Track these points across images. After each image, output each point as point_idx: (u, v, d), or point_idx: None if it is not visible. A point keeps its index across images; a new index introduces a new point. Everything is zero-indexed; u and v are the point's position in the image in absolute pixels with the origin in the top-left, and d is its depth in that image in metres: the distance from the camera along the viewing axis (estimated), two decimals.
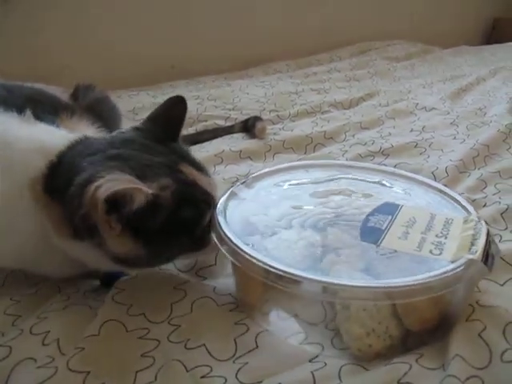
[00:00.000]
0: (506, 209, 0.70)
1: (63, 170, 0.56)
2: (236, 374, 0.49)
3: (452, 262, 0.48)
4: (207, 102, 1.41)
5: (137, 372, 0.50)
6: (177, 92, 1.51)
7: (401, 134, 1.08)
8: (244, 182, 0.67)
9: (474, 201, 0.75)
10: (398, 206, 0.60)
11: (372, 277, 0.51)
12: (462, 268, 0.47)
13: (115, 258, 0.55)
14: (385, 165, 0.90)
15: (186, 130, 1.19)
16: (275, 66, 1.84)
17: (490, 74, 1.50)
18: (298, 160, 1.01)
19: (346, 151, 1.02)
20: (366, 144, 1.04)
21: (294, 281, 0.48)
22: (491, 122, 1.07)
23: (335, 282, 0.47)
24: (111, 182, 0.49)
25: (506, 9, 2.49)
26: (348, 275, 0.51)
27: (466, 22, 2.44)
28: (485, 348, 0.46)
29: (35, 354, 0.53)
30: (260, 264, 0.49)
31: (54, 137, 0.62)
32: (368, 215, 0.57)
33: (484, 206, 0.74)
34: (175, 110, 0.65)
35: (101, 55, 1.69)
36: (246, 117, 1.27)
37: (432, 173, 0.85)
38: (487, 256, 0.49)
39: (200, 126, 1.25)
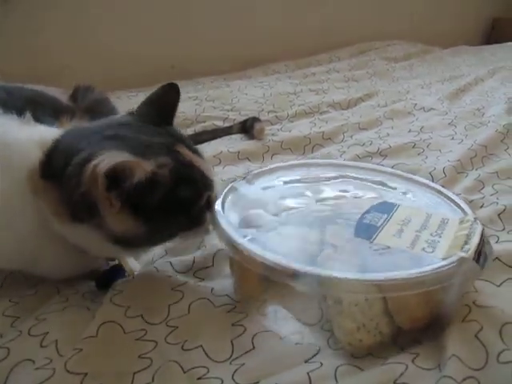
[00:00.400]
0: (504, 209, 0.71)
1: (60, 153, 0.57)
2: (232, 375, 0.49)
3: (444, 260, 0.48)
4: (205, 102, 1.41)
5: (134, 373, 0.50)
6: None
7: (399, 135, 1.08)
8: (245, 178, 0.67)
9: (471, 201, 0.75)
10: (394, 205, 0.60)
11: (367, 273, 0.51)
12: (453, 265, 0.48)
13: (114, 238, 0.55)
14: (383, 165, 0.90)
15: (185, 131, 1.19)
16: (274, 66, 1.85)
17: (489, 75, 1.50)
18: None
19: (344, 152, 1.02)
20: (364, 145, 1.04)
21: (288, 273, 0.48)
22: (489, 122, 1.07)
23: (328, 274, 0.47)
24: (110, 158, 0.49)
25: (506, 9, 2.49)
26: (342, 272, 0.51)
27: (465, 22, 2.44)
28: (481, 349, 0.46)
29: (33, 356, 0.53)
30: (256, 257, 0.50)
31: (52, 133, 0.62)
32: (364, 213, 0.58)
33: (481, 206, 0.75)
34: (169, 95, 0.66)
35: (100, 55, 1.69)
36: (244, 118, 1.27)
37: (430, 173, 0.85)
38: (480, 255, 0.49)
39: (198, 127, 1.25)
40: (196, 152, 0.61)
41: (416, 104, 1.28)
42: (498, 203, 0.73)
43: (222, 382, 0.49)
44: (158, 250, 0.74)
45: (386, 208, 0.59)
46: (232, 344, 0.53)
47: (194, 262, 0.67)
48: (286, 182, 0.70)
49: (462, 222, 0.56)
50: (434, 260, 0.49)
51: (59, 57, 1.64)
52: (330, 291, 0.50)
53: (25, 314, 0.61)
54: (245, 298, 0.58)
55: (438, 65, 1.77)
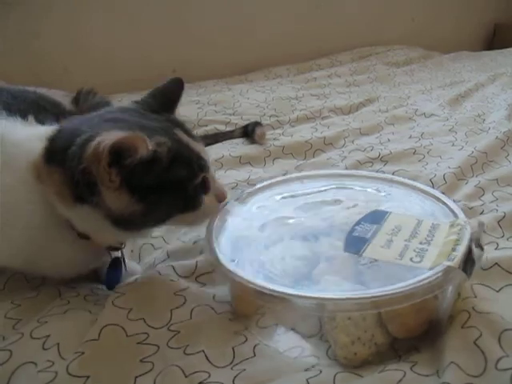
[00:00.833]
0: (503, 216, 0.71)
1: (63, 137, 0.58)
2: (233, 380, 0.50)
3: (431, 269, 0.49)
4: (207, 106, 1.42)
5: (136, 377, 0.51)
6: None
7: (400, 141, 1.08)
8: (238, 199, 0.68)
9: (471, 208, 0.76)
10: (386, 213, 0.60)
11: (360, 285, 0.53)
12: (439, 275, 0.48)
13: (113, 218, 0.56)
14: (383, 171, 0.91)
15: None
16: (276, 70, 1.85)
17: (490, 80, 1.50)
18: (296, 166, 1.01)
19: (345, 157, 1.02)
20: (365, 150, 1.05)
21: (283, 299, 0.49)
22: (490, 128, 1.08)
23: (322, 296, 0.48)
24: (114, 135, 0.51)
25: (507, 14, 2.50)
26: (336, 285, 0.52)
27: (466, 27, 2.44)
28: (480, 355, 0.47)
29: (35, 358, 0.53)
30: (250, 285, 0.51)
31: (49, 128, 0.63)
32: (354, 225, 0.58)
33: (481, 213, 0.75)
34: (173, 87, 0.69)
35: (102, 59, 1.70)
36: (246, 122, 1.28)
37: (430, 180, 0.85)
38: (467, 261, 0.49)
39: (200, 131, 1.26)
40: (193, 136, 0.63)
41: (417, 110, 1.28)
42: (497, 210, 0.74)
43: None
44: (159, 254, 0.75)
45: (377, 217, 0.60)
46: (233, 350, 0.53)
47: (196, 266, 0.68)
48: (279, 198, 0.71)
49: (452, 225, 0.56)
50: (422, 270, 0.49)
51: (60, 61, 1.65)
52: (323, 312, 0.51)
53: (27, 317, 0.61)
54: (241, 316, 0.58)
55: (438, 70, 1.78)
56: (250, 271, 0.56)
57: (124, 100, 1.50)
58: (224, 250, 0.59)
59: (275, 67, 1.88)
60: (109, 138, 0.51)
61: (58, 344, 0.55)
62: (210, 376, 0.50)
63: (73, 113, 0.82)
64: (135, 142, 0.52)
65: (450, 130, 1.11)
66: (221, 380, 0.50)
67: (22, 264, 0.64)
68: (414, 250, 0.52)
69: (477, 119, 1.16)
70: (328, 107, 1.38)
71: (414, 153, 1.00)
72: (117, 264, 0.68)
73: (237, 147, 1.14)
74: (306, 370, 0.51)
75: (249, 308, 0.58)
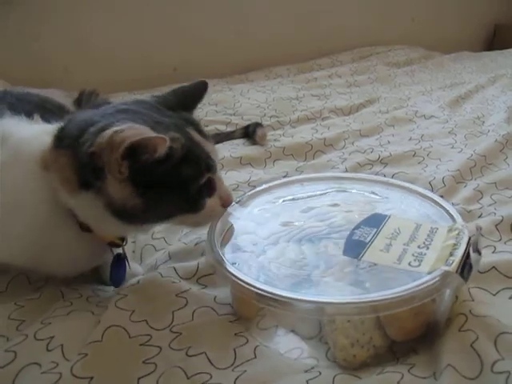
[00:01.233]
0: (501, 220, 0.72)
1: (74, 125, 0.59)
2: (234, 382, 0.51)
3: (429, 274, 0.50)
4: (208, 106, 1.42)
5: (139, 378, 0.52)
6: None
7: (399, 143, 1.09)
8: (239, 202, 0.69)
9: (469, 212, 0.76)
10: (385, 216, 0.61)
11: (359, 289, 0.54)
12: (437, 279, 0.49)
13: (114, 209, 0.56)
14: (383, 174, 0.92)
15: None
16: (276, 70, 1.86)
17: (490, 82, 1.51)
18: (297, 168, 1.02)
19: (345, 159, 1.03)
20: (365, 152, 1.06)
21: (283, 302, 0.50)
22: (489, 131, 1.08)
23: (321, 300, 0.49)
24: (134, 130, 0.52)
25: (508, 15, 2.50)
26: (336, 288, 0.53)
27: (467, 27, 2.44)
28: (476, 358, 0.48)
29: (40, 360, 0.54)
30: (251, 288, 0.52)
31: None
32: (354, 228, 0.59)
33: (480, 216, 0.76)
34: (196, 88, 0.69)
35: (102, 58, 1.71)
36: (246, 122, 1.28)
37: (429, 183, 0.86)
38: (464, 266, 0.50)
39: None
40: (205, 136, 0.63)
41: (417, 111, 1.29)
42: (495, 213, 0.75)
43: None
44: (161, 255, 0.76)
45: (377, 220, 0.60)
46: (235, 352, 0.54)
47: (197, 268, 0.69)
48: (279, 201, 0.71)
49: (450, 230, 0.57)
50: (420, 275, 0.50)
51: (60, 60, 1.66)
52: (323, 316, 0.52)
53: (30, 318, 0.62)
54: (242, 318, 0.59)
55: (439, 71, 1.79)
56: (251, 273, 0.57)
57: (126, 99, 1.51)
58: (225, 252, 0.61)
59: (276, 67, 1.88)
60: (132, 131, 0.51)
61: (62, 345, 0.56)
62: (211, 377, 0.51)
63: None
64: (158, 142, 0.53)
65: (449, 133, 1.12)
66: (222, 381, 0.51)
67: (27, 260, 0.64)
68: (413, 255, 0.53)
69: (476, 121, 1.17)
70: (328, 108, 1.39)
71: (413, 155, 1.01)
72: (120, 261, 0.68)
73: (237, 148, 1.15)
74: (306, 371, 0.51)
75: (250, 310, 0.59)
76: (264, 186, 0.73)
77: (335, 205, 0.69)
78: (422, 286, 0.48)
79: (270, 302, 0.51)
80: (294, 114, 1.36)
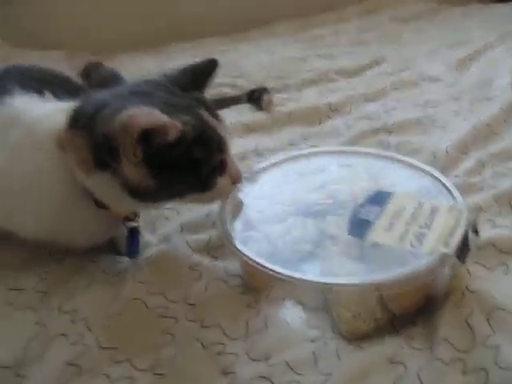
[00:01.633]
0: (501, 193, 0.74)
1: (89, 106, 0.61)
2: (247, 352, 0.55)
3: (429, 255, 0.53)
4: None
5: (159, 348, 0.56)
6: (182, 57, 1.53)
7: (404, 109, 1.09)
8: (246, 177, 0.71)
9: (471, 185, 0.79)
10: (389, 194, 0.64)
11: (363, 264, 0.58)
12: (436, 261, 0.53)
13: (129, 188, 0.59)
14: (388, 143, 0.94)
15: None
16: (280, 26, 1.82)
17: (497, 40, 1.47)
18: (303, 136, 1.03)
19: (351, 126, 1.04)
20: (370, 118, 1.06)
21: (289, 282, 0.54)
22: (495, 97, 1.08)
23: (327, 282, 0.53)
24: (149, 115, 0.54)
25: None
26: (341, 264, 0.57)
27: None
28: (470, 333, 0.52)
29: (66, 331, 0.59)
30: (262, 268, 0.56)
31: (71, 103, 0.65)
32: (359, 206, 0.62)
33: (480, 189, 0.78)
34: (206, 67, 0.71)
35: (102, 18, 1.68)
36: (252, 84, 1.28)
37: (433, 154, 0.88)
38: (462, 248, 0.54)
39: (207, 95, 1.26)
40: (216, 116, 0.65)
41: (423, 74, 1.28)
42: (495, 187, 0.77)
43: (238, 357, 0.55)
44: (173, 226, 0.79)
45: (381, 198, 0.63)
46: (246, 323, 0.58)
47: (209, 240, 0.72)
48: (286, 176, 0.74)
49: (451, 210, 0.60)
50: (421, 258, 0.54)
51: (60, 19, 1.63)
52: (329, 295, 0.56)
53: (52, 289, 0.67)
54: (252, 289, 0.63)
55: (447, 27, 1.74)
56: (259, 249, 0.61)
57: (127, 63, 1.51)
58: (235, 228, 0.64)
59: (280, 23, 1.84)
60: (144, 117, 0.53)
61: (86, 318, 0.60)
62: (225, 347, 0.56)
63: (84, 88, 0.84)
64: (169, 127, 0.55)
65: (454, 99, 1.12)
66: (236, 351, 0.55)
67: (44, 234, 0.68)
68: (414, 234, 0.56)
69: (482, 85, 1.16)
70: (334, 69, 1.37)
71: (418, 123, 1.01)
72: (134, 234, 0.71)
73: (243, 114, 1.15)
74: (312, 341, 0.56)
75: (259, 282, 0.63)
76: (272, 161, 0.76)
77: (340, 179, 0.72)
78: (422, 268, 0.51)
79: (275, 279, 0.54)
80: (298, 76, 1.35)
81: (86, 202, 0.64)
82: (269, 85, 1.29)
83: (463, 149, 0.89)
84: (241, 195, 0.69)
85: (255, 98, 1.20)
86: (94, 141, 0.57)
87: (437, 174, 0.69)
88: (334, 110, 1.14)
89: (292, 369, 0.52)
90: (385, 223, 0.59)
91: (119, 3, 1.69)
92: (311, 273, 0.58)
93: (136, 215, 0.72)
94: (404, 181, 0.70)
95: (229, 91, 1.29)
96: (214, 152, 0.62)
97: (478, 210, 0.58)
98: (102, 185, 0.61)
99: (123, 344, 0.57)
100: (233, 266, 0.67)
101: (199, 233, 0.75)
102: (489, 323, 0.52)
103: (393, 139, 0.96)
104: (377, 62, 1.43)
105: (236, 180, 0.67)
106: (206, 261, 0.69)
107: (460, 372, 0.49)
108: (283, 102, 1.20)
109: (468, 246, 0.54)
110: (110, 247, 0.77)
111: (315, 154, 0.78)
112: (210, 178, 0.62)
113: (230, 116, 1.13)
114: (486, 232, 0.66)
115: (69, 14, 1.64)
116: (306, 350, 0.54)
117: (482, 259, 0.62)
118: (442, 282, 0.57)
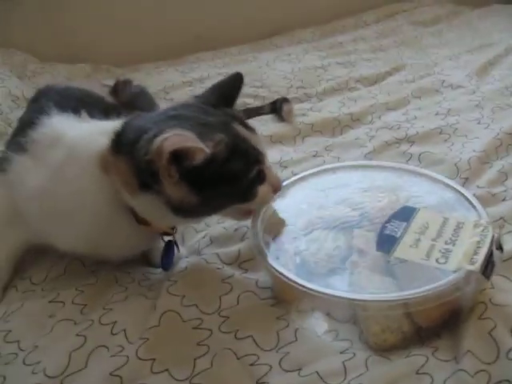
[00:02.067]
0: None
1: (130, 131, 0.65)
2: (279, 362, 0.58)
3: (455, 272, 0.55)
4: None
5: (195, 359, 0.59)
6: (203, 67, 1.57)
7: (426, 118, 1.11)
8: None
9: (494, 195, 0.80)
10: (414, 209, 0.66)
11: (390, 278, 0.60)
12: (461, 278, 0.55)
13: (172, 206, 0.62)
14: (411, 154, 0.95)
15: None
16: (300, 33, 1.84)
17: None
18: (326, 147, 1.05)
19: (373, 137, 1.06)
20: (392, 128, 1.08)
21: (319, 297, 0.57)
22: None
23: (356, 297, 0.56)
24: (178, 137, 0.58)
25: None
26: (368, 279, 0.59)
27: None
28: (493, 345, 0.54)
29: (107, 343, 0.62)
30: (292, 284, 0.59)
31: (111, 125, 0.68)
32: (385, 222, 0.64)
33: (503, 199, 0.79)
34: (232, 83, 0.75)
35: (127, 29, 1.72)
36: (274, 94, 1.31)
37: (455, 164, 0.89)
38: (487, 265, 0.55)
39: None
40: (250, 129, 0.68)
41: (444, 81, 1.29)
42: None
43: (271, 368, 0.57)
44: (203, 239, 0.82)
45: (406, 214, 0.65)
46: (278, 335, 0.61)
47: (239, 253, 0.75)
48: (313, 191, 0.77)
49: (475, 225, 0.61)
50: (447, 272, 0.56)
51: (85, 33, 1.68)
52: (359, 311, 0.58)
53: (90, 302, 0.70)
54: (282, 302, 0.66)
55: (467, 30, 1.74)
56: (288, 262, 0.64)
57: (152, 73, 1.55)
58: (266, 242, 0.67)
59: (299, 30, 1.86)
60: (172, 140, 0.57)
61: (125, 330, 0.63)
62: (258, 358, 0.59)
63: (116, 106, 0.88)
64: (194, 150, 0.58)
65: (476, 106, 1.12)
66: (269, 362, 0.58)
67: (85, 248, 0.72)
68: (440, 251, 0.58)
69: (504, 92, 1.17)
70: (354, 77, 1.40)
71: (440, 132, 1.03)
72: (170, 247, 0.75)
73: (266, 125, 1.18)
74: (341, 352, 0.58)
75: (289, 295, 0.65)
76: (297, 176, 0.79)
77: (363, 194, 0.74)
78: (448, 285, 0.53)
79: (306, 295, 0.57)
80: (320, 85, 1.37)
81: (127, 219, 0.68)
82: (290, 95, 1.32)
83: (485, 159, 0.91)
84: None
85: (277, 108, 1.22)
86: (136, 165, 0.61)
87: (459, 187, 0.70)
88: (355, 119, 1.17)
89: (323, 379, 0.55)
90: (411, 239, 0.61)
91: (142, 16, 1.73)
92: (340, 286, 0.61)
93: (174, 229, 0.75)
94: (426, 194, 0.72)
95: (251, 102, 1.32)
96: (252, 164, 0.64)
97: (501, 226, 0.59)
98: (146, 204, 0.64)
99: (161, 355, 0.60)
100: (263, 278, 0.70)
101: (229, 245, 0.78)
102: None
103: (415, 149, 0.97)
104: (397, 69, 1.44)
105: (277, 188, 0.70)
106: (236, 273, 0.72)
107: (485, 383, 0.51)
108: (305, 113, 1.22)
109: (493, 262, 0.56)
110: (143, 259, 0.81)
111: (339, 169, 0.80)
112: (250, 188, 0.65)
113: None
114: (510, 244, 0.67)
115: (93, 28, 1.69)
116: (335, 361, 0.57)
117: (506, 272, 0.63)
118: (467, 297, 0.58)
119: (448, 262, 0.56)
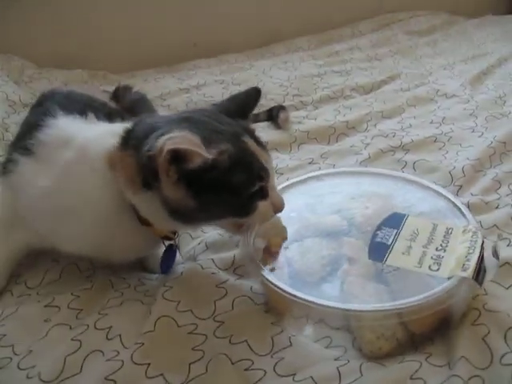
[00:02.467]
0: None
1: (140, 129, 0.66)
2: (274, 367, 0.58)
3: (448, 279, 0.56)
4: (232, 86, 1.45)
5: (190, 364, 0.60)
6: (200, 74, 1.57)
7: (421, 126, 1.12)
8: None
9: (487, 203, 0.81)
10: (403, 216, 0.67)
11: (382, 285, 0.60)
12: (454, 285, 0.55)
13: (170, 208, 0.63)
14: (405, 162, 0.96)
15: None
16: (297, 42, 1.86)
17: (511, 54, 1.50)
18: (321, 154, 1.06)
19: (368, 144, 1.07)
20: (387, 136, 1.09)
21: (310, 308, 0.57)
22: (510, 113, 1.10)
23: (349, 308, 0.56)
24: (181, 139, 0.58)
25: None
26: (360, 286, 0.60)
27: None
28: (487, 351, 0.54)
29: (102, 348, 0.62)
30: (284, 294, 0.59)
31: (119, 127, 0.69)
32: (376, 229, 0.65)
33: (496, 207, 0.80)
34: (249, 96, 0.76)
35: (124, 37, 1.72)
36: (270, 102, 1.32)
37: (449, 172, 0.90)
38: (479, 271, 0.56)
39: None
40: (261, 144, 0.68)
41: (438, 90, 1.30)
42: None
43: (266, 373, 0.57)
44: (198, 245, 0.82)
45: (396, 220, 0.66)
46: (272, 340, 0.61)
47: (233, 259, 0.75)
48: (302, 198, 0.78)
49: (464, 231, 0.62)
50: (440, 280, 0.56)
51: (82, 39, 1.68)
52: (351, 322, 0.59)
53: (86, 307, 0.70)
54: (274, 311, 0.66)
55: (462, 40, 1.76)
56: (280, 270, 0.65)
57: (150, 80, 1.56)
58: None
59: (296, 38, 1.88)
60: (174, 140, 0.57)
61: (120, 335, 0.64)
62: (253, 363, 0.59)
63: (119, 111, 0.88)
64: (191, 153, 0.58)
65: (470, 115, 1.14)
66: (263, 367, 0.58)
67: (89, 248, 0.71)
68: (432, 258, 0.59)
69: (498, 101, 1.18)
70: (350, 86, 1.41)
71: (434, 141, 1.04)
72: (171, 251, 0.75)
73: (263, 132, 1.18)
74: (336, 359, 0.59)
75: (281, 304, 0.65)
76: (287, 183, 0.80)
77: (355, 201, 0.75)
78: (442, 293, 0.54)
79: (298, 305, 0.58)
80: (316, 93, 1.38)
81: (131, 220, 0.68)
82: (286, 102, 1.33)
83: (479, 167, 0.92)
84: None
85: (273, 116, 1.23)
86: (140, 161, 0.61)
87: (450, 195, 0.71)
88: (350, 127, 1.18)
89: None
90: (402, 246, 0.61)
91: (139, 23, 1.74)
92: (332, 294, 0.61)
93: (176, 234, 0.76)
94: (417, 202, 0.73)
95: None
96: (254, 179, 0.64)
97: (500, 235, 0.60)
98: (147, 203, 0.65)
99: (156, 360, 0.60)
100: (257, 284, 0.70)
101: (224, 251, 0.79)
102: (505, 341, 0.54)
103: (409, 157, 0.98)
104: (392, 78, 1.46)
105: (278, 208, 0.68)
106: (231, 279, 0.72)
107: None
108: (301, 120, 1.23)
109: (484, 268, 0.57)
110: (138, 265, 0.81)
111: (331, 175, 0.81)
112: (249, 203, 0.65)
113: None
114: (503, 251, 0.67)
115: (90, 34, 1.69)
116: (330, 367, 0.57)
117: (499, 278, 0.64)
118: (459, 303, 0.59)
119: (441, 269, 0.57)
